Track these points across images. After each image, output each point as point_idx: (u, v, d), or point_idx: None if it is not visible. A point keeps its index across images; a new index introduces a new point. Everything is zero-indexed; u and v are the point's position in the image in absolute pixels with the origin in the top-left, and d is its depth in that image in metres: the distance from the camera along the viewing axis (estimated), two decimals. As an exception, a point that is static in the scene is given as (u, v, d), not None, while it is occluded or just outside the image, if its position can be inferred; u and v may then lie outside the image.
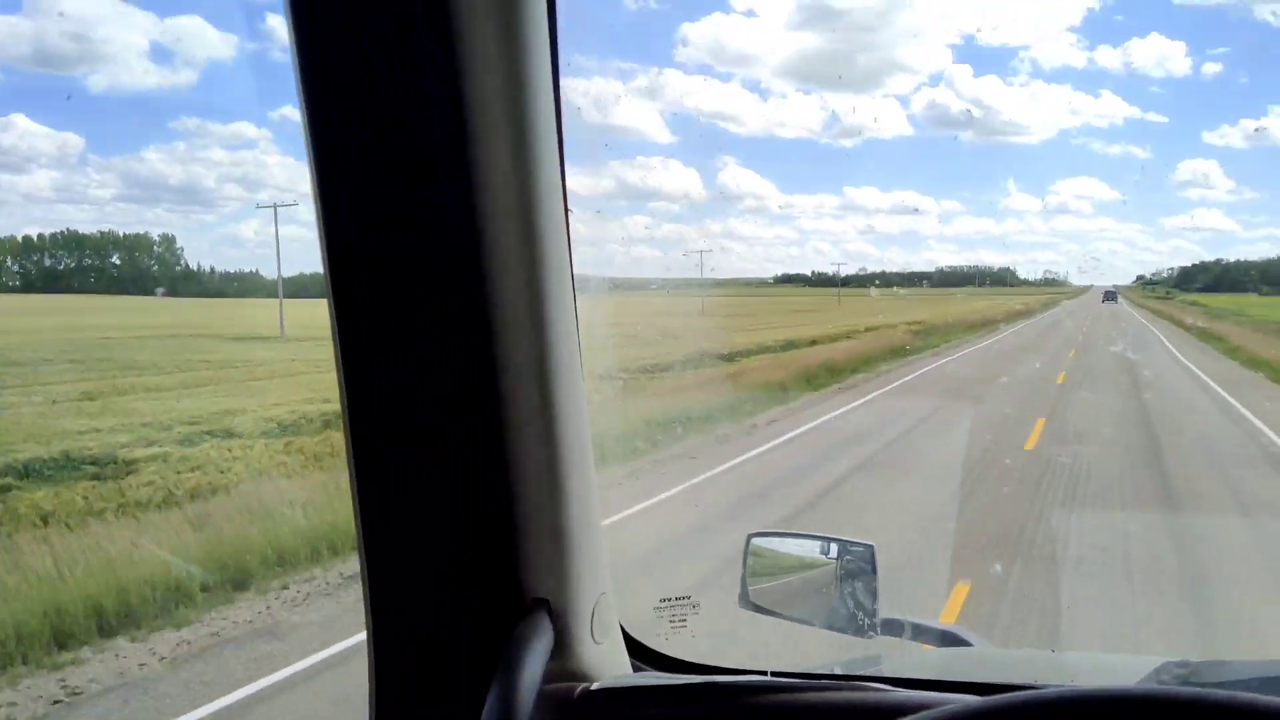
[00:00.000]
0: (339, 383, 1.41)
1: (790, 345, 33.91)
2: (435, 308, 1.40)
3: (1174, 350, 29.42)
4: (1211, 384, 20.94)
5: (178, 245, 57.43)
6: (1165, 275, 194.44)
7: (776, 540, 2.18)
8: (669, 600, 2.37)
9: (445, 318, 1.40)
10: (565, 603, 1.51)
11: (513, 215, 1.37)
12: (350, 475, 1.46)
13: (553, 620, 1.48)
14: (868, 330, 40.10)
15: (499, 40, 1.31)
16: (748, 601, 2.06)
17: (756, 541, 2.09)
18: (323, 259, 1.37)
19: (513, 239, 1.38)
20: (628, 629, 1.75)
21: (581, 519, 1.53)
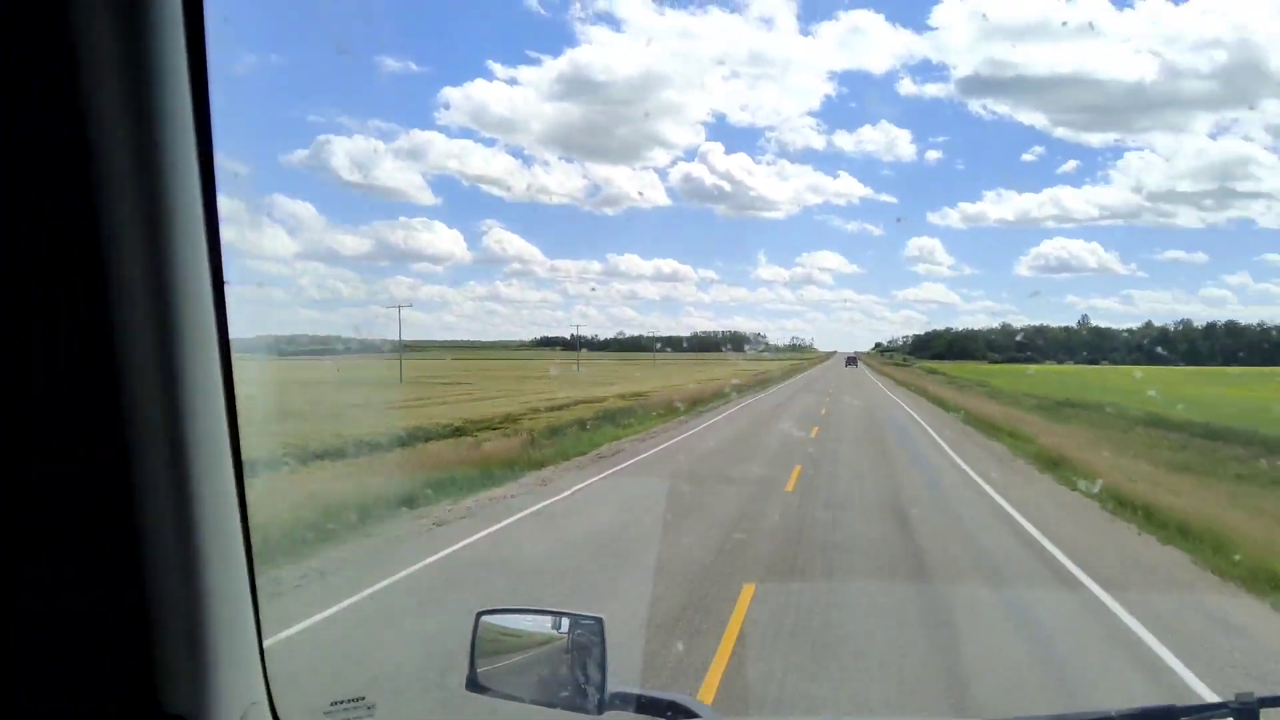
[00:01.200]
0: None
1: (458, 432, 25.53)
2: (51, 377, 1.25)
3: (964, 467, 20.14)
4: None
5: None
6: (900, 342, 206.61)
7: (506, 617, 2.11)
8: (341, 703, 2.13)
9: (65, 391, 1.25)
10: (205, 716, 1.37)
11: (147, 291, 1.29)
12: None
13: None
14: (576, 404, 35.18)
15: (131, 118, 1.26)
16: (475, 684, 1.99)
17: (486, 620, 2.04)
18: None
19: (146, 308, 1.29)
20: None
21: (228, 620, 1.42)
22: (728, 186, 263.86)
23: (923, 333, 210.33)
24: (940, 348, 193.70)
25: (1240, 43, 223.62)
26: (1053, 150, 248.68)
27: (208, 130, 1.36)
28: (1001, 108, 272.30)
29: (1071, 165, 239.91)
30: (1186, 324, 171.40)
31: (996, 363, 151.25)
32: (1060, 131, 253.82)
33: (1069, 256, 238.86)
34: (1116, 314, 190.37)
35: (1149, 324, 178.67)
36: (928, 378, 69.88)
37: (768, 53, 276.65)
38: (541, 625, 2.06)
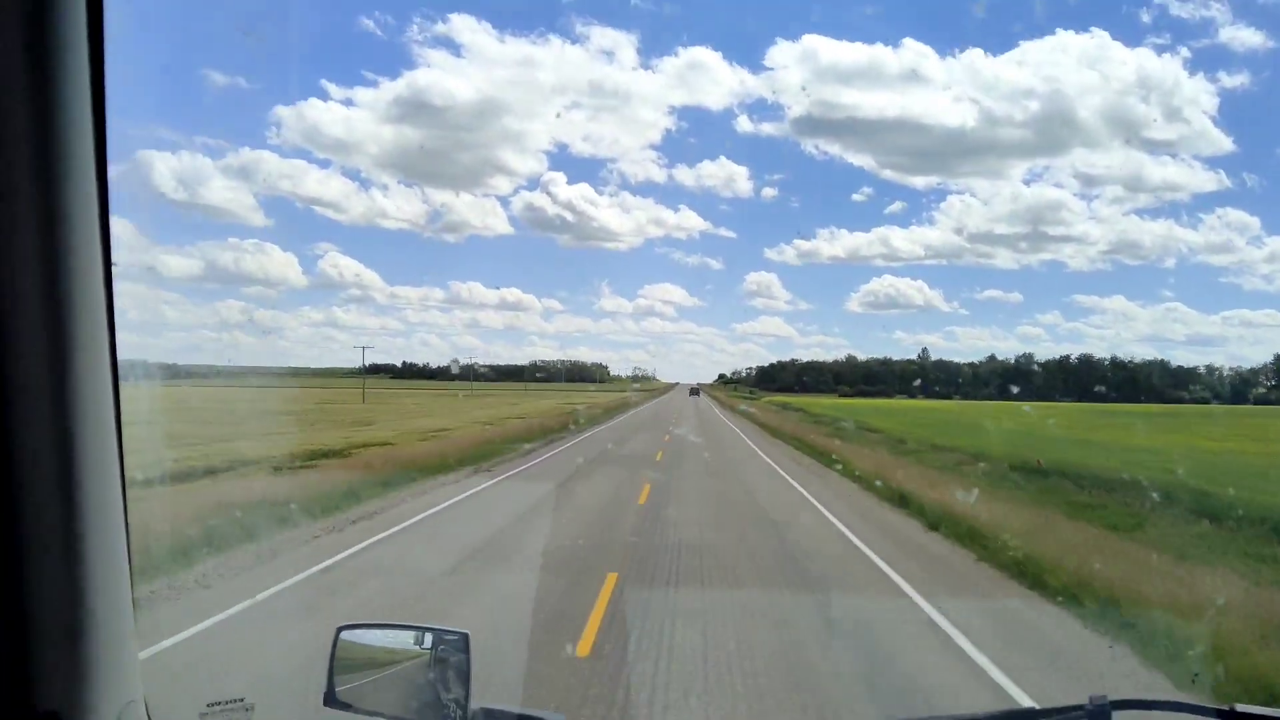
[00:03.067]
0: None
1: None
2: None
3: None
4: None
5: None
6: (745, 374, 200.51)
7: (367, 633, 2.09)
8: (218, 704, 2.09)
9: None
10: (80, 714, 1.38)
11: (38, 294, 1.32)
12: None
13: None
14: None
15: (31, 118, 1.29)
16: (333, 699, 1.94)
17: (346, 635, 2.01)
18: None
19: (37, 316, 1.32)
20: None
21: (106, 621, 1.42)
22: (570, 217, 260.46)
23: (767, 364, 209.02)
24: (787, 380, 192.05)
25: (1052, 93, 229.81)
26: (881, 191, 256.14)
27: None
28: (833, 148, 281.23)
29: (898, 206, 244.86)
30: (1028, 358, 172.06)
31: (848, 396, 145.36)
32: (888, 173, 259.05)
33: (897, 294, 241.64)
34: (942, 349, 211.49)
35: (992, 357, 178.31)
36: (791, 417, 58.16)
37: (608, 84, 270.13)
38: (404, 641, 2.03)
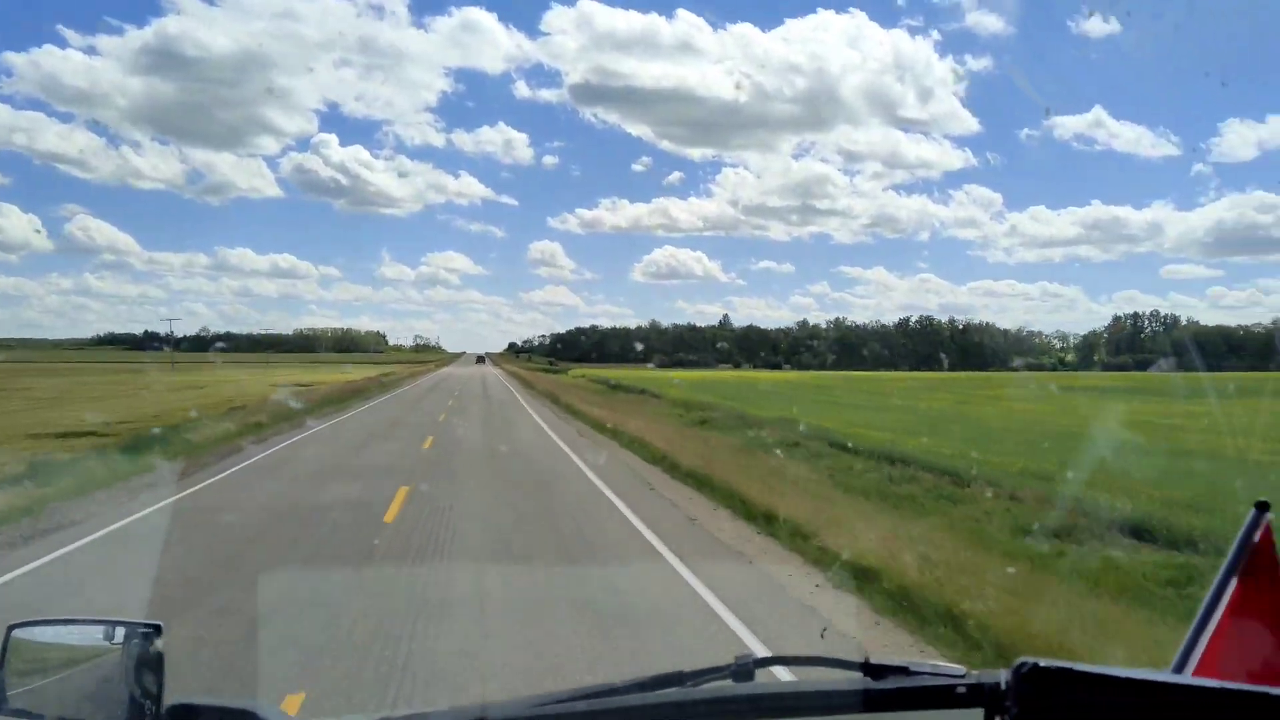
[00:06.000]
0: None
1: None
2: None
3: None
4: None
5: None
6: (538, 342, 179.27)
7: (46, 629, 1.82)
8: None
9: None
10: None
11: None
12: None
13: None
14: None
15: None
16: (5, 707, 1.70)
17: (19, 634, 1.75)
18: None
19: None
20: None
21: None
22: (345, 180, 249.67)
23: (563, 331, 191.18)
24: (585, 347, 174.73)
25: (817, 71, 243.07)
26: (660, 162, 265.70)
27: None
28: (612, 117, 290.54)
29: (676, 177, 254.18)
30: (838, 322, 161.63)
31: (665, 366, 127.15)
32: (665, 144, 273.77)
33: (678, 264, 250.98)
34: (719, 318, 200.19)
35: (804, 323, 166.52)
36: (623, 403, 36.72)
37: (380, 42, 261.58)
38: (90, 636, 1.78)
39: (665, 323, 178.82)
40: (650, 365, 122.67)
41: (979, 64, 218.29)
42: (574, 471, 15.91)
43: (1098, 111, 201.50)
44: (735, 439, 21.73)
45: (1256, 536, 1.33)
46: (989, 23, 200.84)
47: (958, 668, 1.22)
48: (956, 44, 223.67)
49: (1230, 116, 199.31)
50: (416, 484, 13.46)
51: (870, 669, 1.26)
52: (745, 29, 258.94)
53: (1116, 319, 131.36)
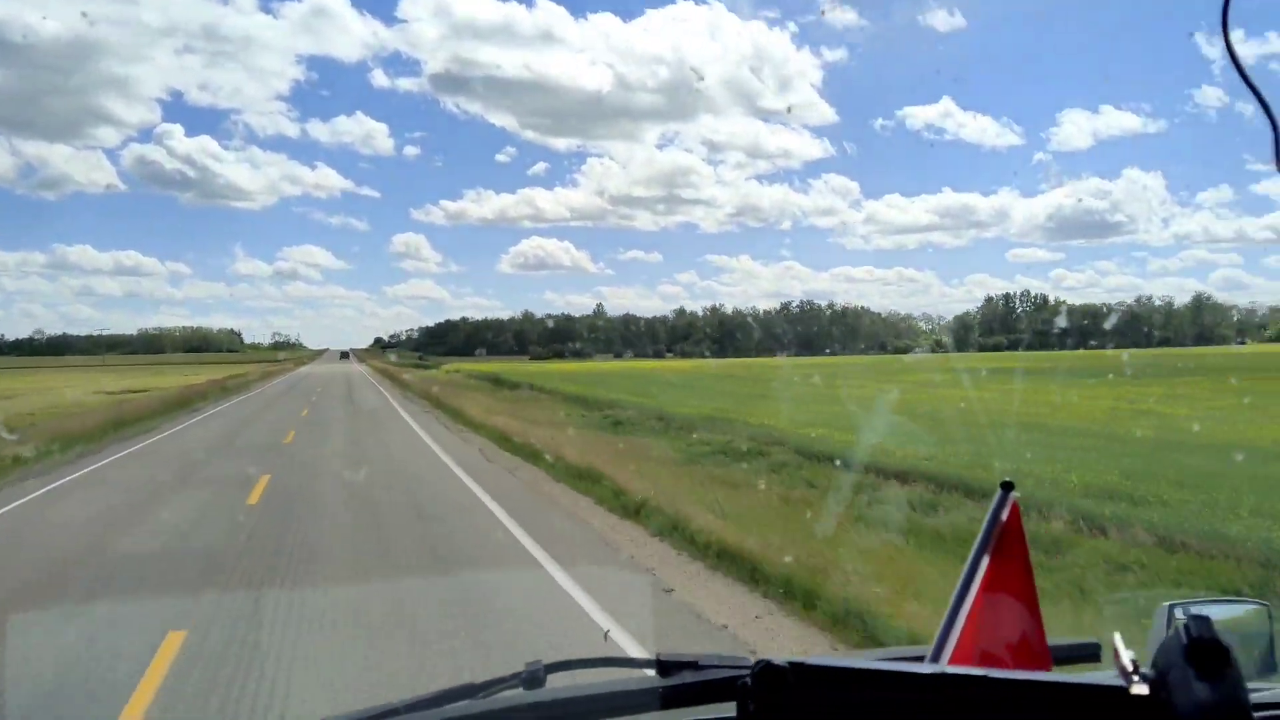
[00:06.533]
0: None
1: None
2: None
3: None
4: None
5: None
6: (406, 337, 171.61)
7: None
8: None
9: None
10: None
11: None
12: None
13: None
14: None
15: None
16: None
17: None
18: None
19: None
20: None
21: None
22: (192, 172, 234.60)
23: (431, 325, 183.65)
24: (457, 341, 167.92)
25: (678, 61, 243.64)
26: (524, 152, 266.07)
27: None
28: (474, 107, 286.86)
29: (541, 168, 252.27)
30: (715, 310, 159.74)
31: (541, 358, 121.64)
32: (529, 134, 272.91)
33: (546, 254, 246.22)
34: (589, 309, 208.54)
35: (682, 310, 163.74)
36: (515, 401, 31.80)
37: (225, 28, 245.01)
38: None
39: (539, 313, 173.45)
40: (527, 357, 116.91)
41: (834, 55, 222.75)
42: (516, 552, 9.58)
43: (946, 102, 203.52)
44: (671, 447, 16.98)
45: (1004, 516, 1.35)
46: (843, 15, 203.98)
47: (747, 659, 1.18)
48: (813, 36, 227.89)
49: (1067, 107, 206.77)
50: (206, 629, 6.39)
51: (661, 666, 1.26)
52: (606, 19, 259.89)
53: (989, 299, 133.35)
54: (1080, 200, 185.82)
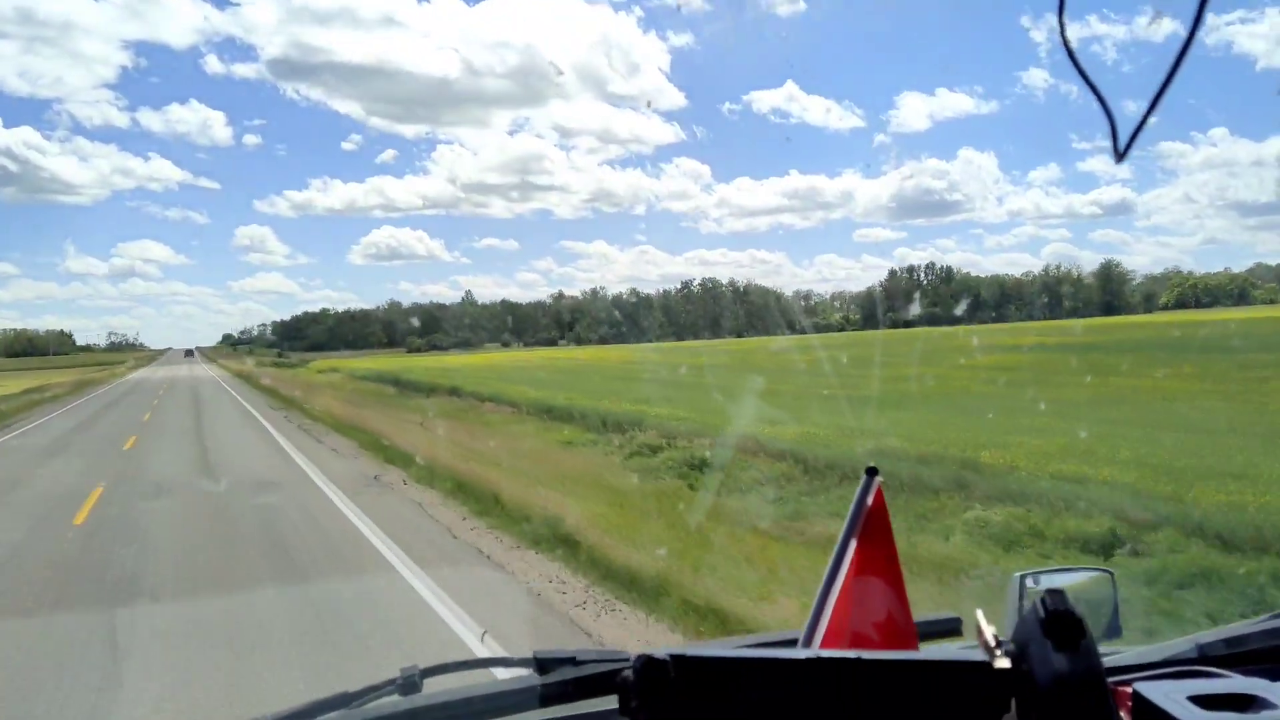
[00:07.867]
0: None
1: None
2: None
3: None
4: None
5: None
6: (258, 333, 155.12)
7: None
8: None
9: None
10: None
11: None
12: None
13: None
14: None
15: None
16: None
17: None
18: None
19: None
20: None
21: None
22: (13, 166, 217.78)
23: (285, 319, 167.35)
24: (319, 336, 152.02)
25: (526, 46, 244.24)
26: (371, 140, 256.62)
27: None
28: (316, 94, 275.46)
29: (390, 155, 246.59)
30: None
31: (419, 351, 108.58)
32: (375, 121, 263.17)
33: (399, 244, 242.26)
34: (449, 298, 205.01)
35: (560, 294, 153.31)
36: (451, 420, 20.56)
37: (41, 12, 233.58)
38: None
39: (402, 303, 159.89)
40: (403, 350, 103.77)
41: (681, 40, 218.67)
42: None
43: (790, 86, 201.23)
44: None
45: (870, 500, 1.36)
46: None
47: (625, 653, 1.18)
48: (659, 20, 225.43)
49: (905, 90, 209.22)
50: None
51: (540, 664, 1.25)
52: (451, 2, 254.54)
53: (892, 273, 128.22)
54: (919, 180, 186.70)
